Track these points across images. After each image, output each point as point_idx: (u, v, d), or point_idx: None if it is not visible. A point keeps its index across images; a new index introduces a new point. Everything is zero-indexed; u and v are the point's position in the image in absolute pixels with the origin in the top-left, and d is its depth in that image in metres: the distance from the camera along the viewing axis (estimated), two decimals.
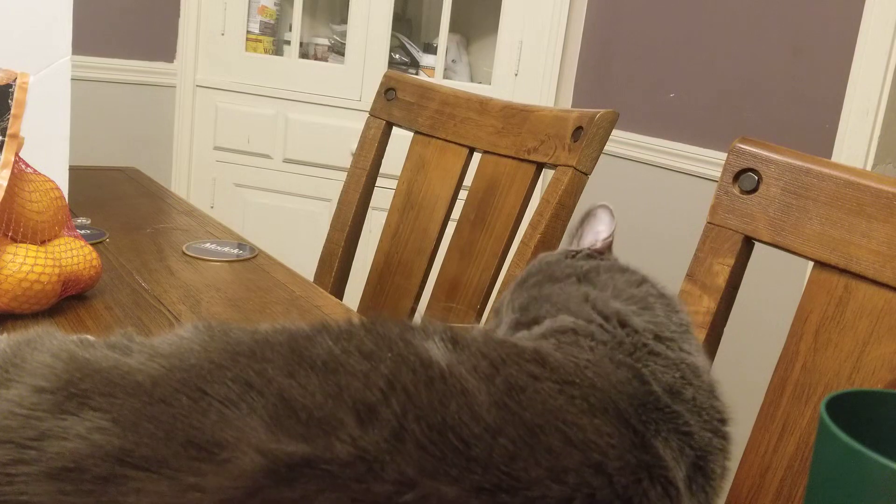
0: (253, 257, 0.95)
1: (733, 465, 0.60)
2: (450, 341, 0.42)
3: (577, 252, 0.63)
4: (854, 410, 0.44)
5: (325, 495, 0.31)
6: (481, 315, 0.96)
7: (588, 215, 0.65)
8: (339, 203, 1.18)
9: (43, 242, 0.71)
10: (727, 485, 0.62)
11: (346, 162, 1.92)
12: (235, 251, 0.97)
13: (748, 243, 0.68)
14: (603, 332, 0.50)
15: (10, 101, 0.70)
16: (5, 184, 0.66)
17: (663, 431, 0.45)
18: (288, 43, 2.17)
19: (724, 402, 0.51)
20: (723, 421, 0.49)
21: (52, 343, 0.41)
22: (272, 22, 2.20)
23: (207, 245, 0.98)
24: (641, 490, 0.39)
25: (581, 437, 0.39)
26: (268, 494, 0.30)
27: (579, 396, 0.42)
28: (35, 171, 0.73)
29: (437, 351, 0.41)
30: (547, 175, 1.34)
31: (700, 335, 0.67)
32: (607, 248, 0.64)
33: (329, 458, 0.32)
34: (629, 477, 0.40)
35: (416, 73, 2.12)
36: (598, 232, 0.65)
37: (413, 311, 1.06)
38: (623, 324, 0.51)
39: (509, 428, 0.36)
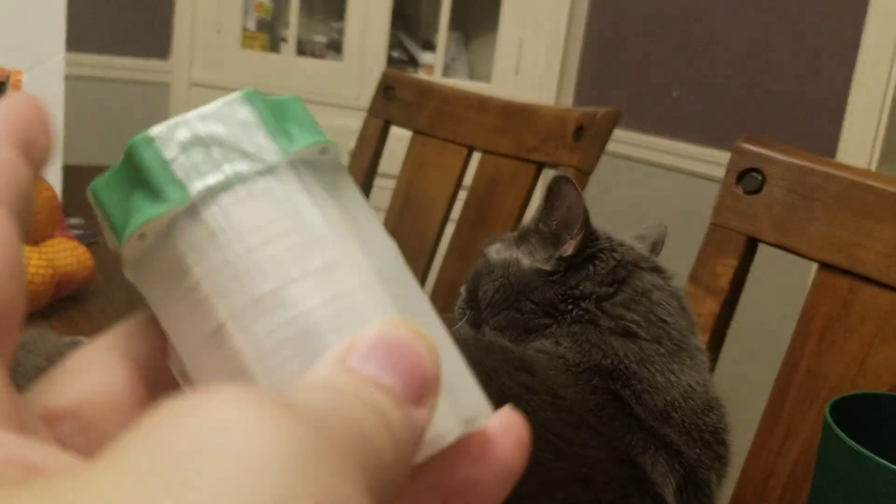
0: None
1: (736, 469, 0.59)
2: None
3: (552, 271, 0.52)
4: (859, 414, 0.44)
5: None
6: None
7: (552, 194, 0.54)
8: None
9: (36, 243, 0.70)
10: (729, 489, 0.62)
11: (344, 162, 1.91)
12: None
13: (752, 244, 0.67)
14: (577, 356, 0.49)
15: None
16: None
17: (651, 449, 0.45)
18: (285, 40, 2.16)
19: (718, 413, 0.50)
20: (715, 433, 0.49)
21: (45, 346, 0.40)
22: (268, 18, 2.19)
23: None
24: None
25: (569, 451, 0.38)
26: None
27: (566, 409, 0.42)
28: None
29: None
30: (548, 175, 1.33)
31: (703, 337, 0.67)
32: (579, 247, 0.53)
33: None
34: (617, 492, 0.40)
35: (415, 71, 2.11)
36: (568, 224, 0.53)
37: None
38: (604, 353, 0.49)
39: None
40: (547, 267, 0.53)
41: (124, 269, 0.16)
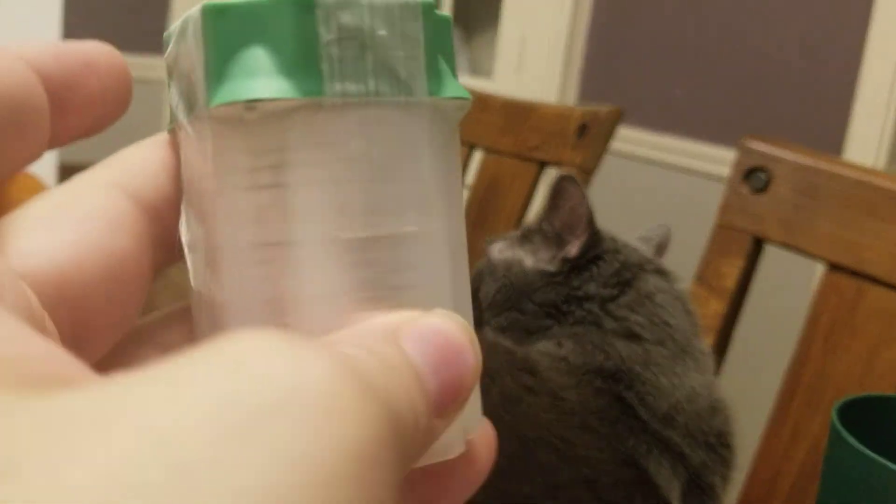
0: None
1: (742, 471, 0.59)
2: None
3: (555, 272, 0.52)
4: (866, 415, 0.43)
5: None
6: None
7: (555, 194, 0.52)
8: None
9: None
10: (736, 491, 0.61)
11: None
12: None
13: (758, 244, 0.67)
14: (578, 357, 0.49)
15: None
16: None
17: (654, 452, 0.45)
18: None
19: (723, 416, 0.50)
20: (720, 436, 0.49)
21: None
22: None
23: None
24: None
25: (572, 453, 0.38)
26: None
27: (568, 411, 0.42)
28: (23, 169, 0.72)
29: None
30: (550, 173, 1.33)
31: (708, 338, 0.66)
32: (583, 248, 0.52)
33: None
34: (622, 493, 0.40)
35: None
36: (572, 224, 0.52)
37: None
38: (607, 355, 0.49)
39: (504, 442, 0.36)
40: (550, 268, 0.52)
41: (183, 114, 0.14)
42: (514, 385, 0.42)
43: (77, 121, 0.14)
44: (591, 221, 0.52)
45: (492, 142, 1.02)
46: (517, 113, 1.00)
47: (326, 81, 0.13)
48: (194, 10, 0.13)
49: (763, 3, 1.54)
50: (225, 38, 0.13)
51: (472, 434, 0.15)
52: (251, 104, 0.13)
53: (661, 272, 0.54)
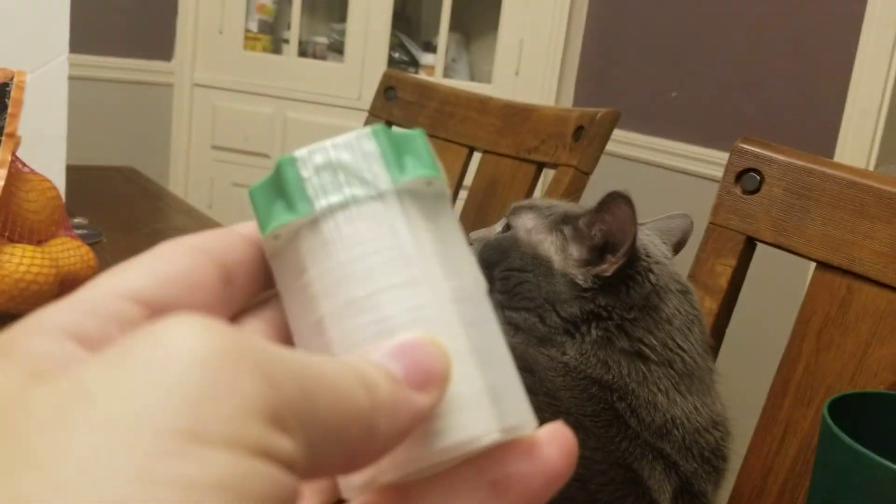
0: None
1: (734, 469, 0.59)
2: None
3: (587, 289, 0.51)
4: (856, 412, 0.44)
5: None
6: None
7: (605, 206, 0.52)
8: None
9: (39, 242, 0.71)
10: (728, 488, 0.62)
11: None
12: None
13: (750, 244, 0.68)
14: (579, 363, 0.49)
15: (6, 99, 0.69)
16: (2, 183, 0.66)
17: (647, 457, 0.45)
18: (287, 41, 2.16)
19: (723, 430, 0.50)
20: (716, 450, 0.49)
21: None
22: (270, 20, 2.20)
23: None
24: None
25: None
26: None
27: (564, 410, 0.42)
28: (32, 170, 0.73)
29: None
30: (548, 175, 1.34)
31: None
32: (620, 263, 0.51)
33: None
34: (613, 493, 0.40)
35: (416, 72, 2.11)
36: (615, 242, 0.52)
37: None
38: (608, 368, 0.49)
39: None
40: (581, 281, 0.51)
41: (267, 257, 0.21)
42: None
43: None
44: (633, 244, 0.51)
45: (491, 143, 1.03)
46: (516, 115, 1.01)
47: (315, 202, 0.19)
48: None
49: (756, 9, 1.55)
50: (261, 204, 0.20)
51: (524, 431, 0.19)
52: (275, 234, 0.19)
53: (684, 291, 0.53)
